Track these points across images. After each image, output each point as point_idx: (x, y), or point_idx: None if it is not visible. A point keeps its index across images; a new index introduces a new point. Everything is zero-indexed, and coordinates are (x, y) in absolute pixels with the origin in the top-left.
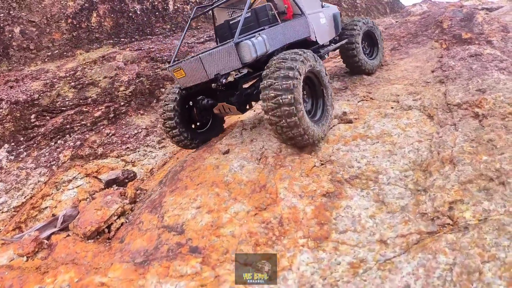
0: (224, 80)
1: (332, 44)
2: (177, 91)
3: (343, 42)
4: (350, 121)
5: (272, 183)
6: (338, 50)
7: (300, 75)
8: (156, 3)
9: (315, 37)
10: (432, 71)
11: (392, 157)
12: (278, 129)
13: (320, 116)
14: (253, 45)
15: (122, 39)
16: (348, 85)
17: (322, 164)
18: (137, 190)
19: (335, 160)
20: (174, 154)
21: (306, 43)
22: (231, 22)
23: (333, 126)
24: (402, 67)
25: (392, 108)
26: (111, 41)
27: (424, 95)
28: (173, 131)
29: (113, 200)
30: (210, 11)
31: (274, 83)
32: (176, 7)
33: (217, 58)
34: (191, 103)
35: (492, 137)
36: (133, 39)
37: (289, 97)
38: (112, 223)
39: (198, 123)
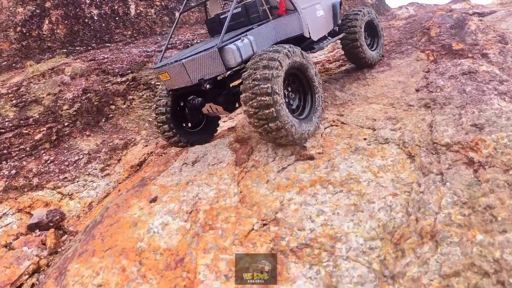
0: (208, 86)
1: (329, 38)
2: None
3: (343, 35)
4: (311, 157)
5: (193, 256)
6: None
7: (282, 66)
8: (116, 7)
9: (309, 33)
10: (417, 90)
11: (357, 216)
12: (256, 122)
13: (307, 115)
14: (238, 49)
15: (77, 48)
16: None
17: (264, 225)
18: (64, 234)
19: (282, 218)
20: (119, 183)
21: (300, 39)
22: (221, 17)
23: (288, 165)
24: (382, 82)
25: (365, 139)
26: (65, 50)
27: (405, 123)
28: (164, 127)
29: (25, 255)
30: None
31: (254, 73)
32: (138, 11)
33: (200, 63)
34: (182, 103)
35: (491, 202)
36: (89, 48)
37: (267, 86)
38: (22, 284)
39: (190, 123)
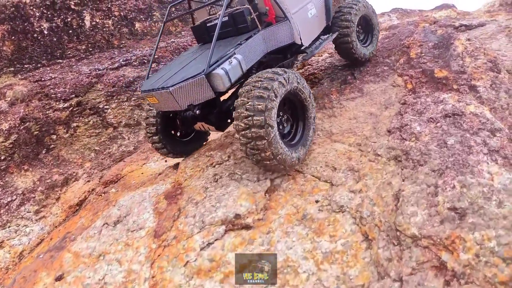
0: (198, 111)
1: (322, 38)
2: None
3: (336, 34)
4: (246, 227)
5: None
6: None
7: (276, 96)
8: (69, 19)
9: (300, 39)
10: (389, 131)
11: None
12: (248, 150)
13: (298, 141)
14: (226, 74)
15: (26, 66)
16: None
17: None
18: None
19: None
20: (55, 226)
21: (290, 45)
22: (208, 24)
23: (215, 240)
24: (351, 113)
25: (317, 201)
26: (12, 68)
27: (368, 184)
28: (153, 138)
29: None
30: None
31: (247, 102)
32: (94, 22)
33: (188, 90)
34: (171, 114)
35: None
36: (39, 65)
37: (260, 119)
38: None
39: (182, 132)
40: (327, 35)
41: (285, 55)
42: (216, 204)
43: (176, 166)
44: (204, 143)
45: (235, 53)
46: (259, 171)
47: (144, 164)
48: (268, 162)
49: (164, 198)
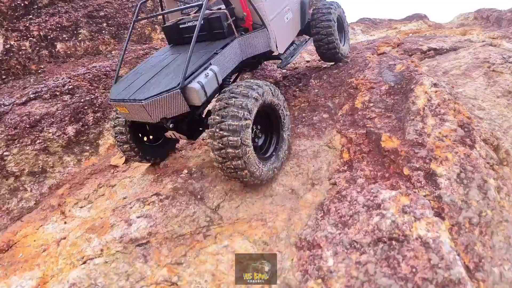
0: (171, 125)
1: (296, 43)
2: None
3: (315, 34)
4: None
5: None
6: None
7: (251, 114)
8: None
9: (276, 46)
10: (296, 246)
11: None
12: (224, 169)
13: (272, 153)
14: (202, 88)
15: None
16: (151, 240)
17: None
18: None
19: None
20: None
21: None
22: (181, 26)
23: None
24: (269, 185)
25: None
26: None
27: None
28: (124, 146)
29: None
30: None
31: (222, 122)
32: (8, 45)
33: (162, 104)
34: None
35: None
36: None
37: (236, 139)
38: None
39: (151, 137)
40: (302, 39)
41: (258, 61)
42: None
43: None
44: (175, 145)
45: (211, 64)
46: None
47: (41, 226)
48: (245, 179)
49: None
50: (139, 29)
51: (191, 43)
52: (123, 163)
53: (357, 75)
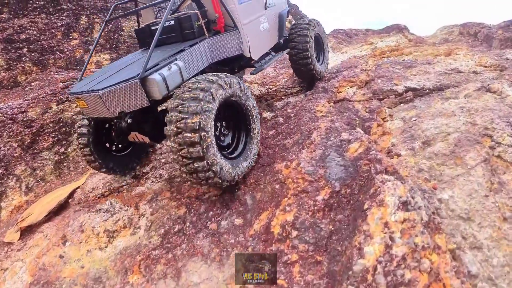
0: (129, 120)
1: (273, 54)
2: None
3: (291, 49)
4: None
5: None
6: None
7: (214, 99)
8: None
9: (249, 52)
10: None
11: None
12: (180, 160)
13: (239, 154)
14: (163, 80)
15: None
16: None
17: None
18: None
19: None
20: None
21: (239, 57)
22: (152, 28)
23: None
24: None
25: None
26: None
27: None
28: (84, 150)
29: None
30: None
31: (181, 104)
32: None
33: (120, 96)
34: (107, 124)
35: None
36: None
37: (194, 121)
38: None
39: (118, 145)
40: (279, 52)
41: (232, 68)
42: None
43: None
44: (140, 160)
45: (176, 59)
46: None
47: None
48: (202, 174)
49: None
50: (67, 52)
51: (155, 35)
52: (18, 240)
53: (291, 156)
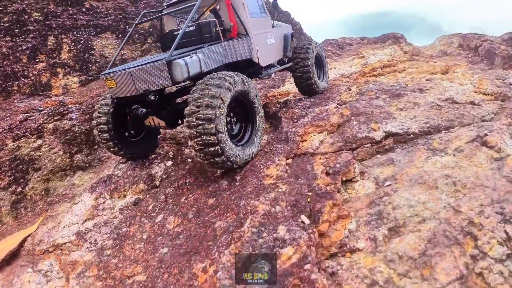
0: (152, 97)
1: (277, 66)
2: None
3: (295, 64)
4: None
5: None
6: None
7: (224, 103)
8: None
9: (257, 58)
10: None
11: None
12: (202, 155)
13: (247, 140)
14: (186, 65)
15: None
16: None
17: None
18: None
19: None
20: None
21: (249, 63)
22: (175, 33)
23: None
24: None
25: None
26: None
27: None
28: (104, 135)
29: None
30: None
31: (197, 112)
32: None
33: (148, 74)
34: (127, 110)
35: None
36: None
37: (210, 127)
38: None
39: (132, 132)
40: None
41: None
42: None
43: None
44: (156, 146)
45: (196, 52)
46: None
47: None
48: (221, 164)
49: None
50: (32, 77)
51: (179, 33)
52: None
53: (214, 253)
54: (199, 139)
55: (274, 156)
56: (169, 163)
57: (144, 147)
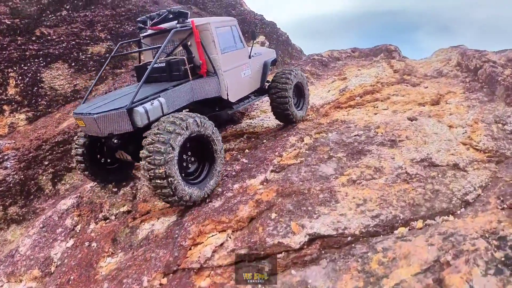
0: (115, 141)
1: (252, 97)
2: None
3: (272, 94)
4: None
5: None
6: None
7: (174, 148)
8: None
9: (227, 95)
10: None
11: None
12: (157, 195)
13: (204, 178)
14: (146, 112)
15: None
16: None
17: None
18: None
19: None
20: None
21: (220, 98)
22: (147, 66)
23: None
24: None
25: None
26: None
27: None
28: (81, 166)
29: None
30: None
31: (149, 156)
32: None
33: (110, 120)
34: (102, 140)
35: None
36: None
37: (161, 171)
38: None
39: (108, 160)
40: (259, 96)
41: (213, 107)
42: None
43: None
44: (129, 176)
45: (159, 96)
46: None
47: None
48: (176, 203)
49: None
50: None
51: (145, 74)
52: None
53: None
54: (152, 181)
55: (143, 273)
56: (70, 242)
57: (121, 174)
